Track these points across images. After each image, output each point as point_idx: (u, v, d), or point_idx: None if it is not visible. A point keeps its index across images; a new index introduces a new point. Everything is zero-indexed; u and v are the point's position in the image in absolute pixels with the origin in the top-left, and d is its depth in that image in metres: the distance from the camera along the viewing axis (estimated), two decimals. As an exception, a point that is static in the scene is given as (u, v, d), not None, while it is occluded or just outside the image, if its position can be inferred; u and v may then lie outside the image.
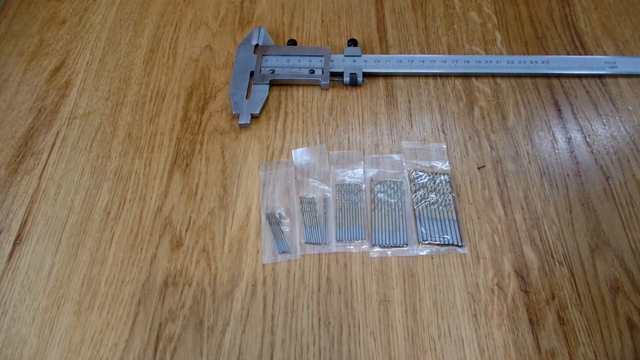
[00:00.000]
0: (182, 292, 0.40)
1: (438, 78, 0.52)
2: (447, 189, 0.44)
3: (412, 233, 0.42)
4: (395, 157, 0.46)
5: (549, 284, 0.40)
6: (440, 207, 0.43)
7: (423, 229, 0.42)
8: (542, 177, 0.45)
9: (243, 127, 0.49)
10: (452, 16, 0.57)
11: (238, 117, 0.49)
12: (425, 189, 0.44)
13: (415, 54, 0.53)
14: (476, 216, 0.43)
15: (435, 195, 0.44)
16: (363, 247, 0.42)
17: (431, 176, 0.45)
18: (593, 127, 0.48)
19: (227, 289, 0.40)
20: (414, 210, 0.43)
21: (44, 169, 0.47)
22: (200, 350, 0.38)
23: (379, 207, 0.43)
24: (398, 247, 0.41)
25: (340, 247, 0.42)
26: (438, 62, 0.52)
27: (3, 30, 0.58)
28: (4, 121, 0.51)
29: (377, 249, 0.42)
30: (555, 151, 0.46)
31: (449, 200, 0.43)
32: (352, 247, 0.42)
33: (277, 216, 0.43)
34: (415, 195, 0.44)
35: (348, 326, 0.38)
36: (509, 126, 0.48)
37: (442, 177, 0.45)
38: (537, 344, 0.37)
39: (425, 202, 0.43)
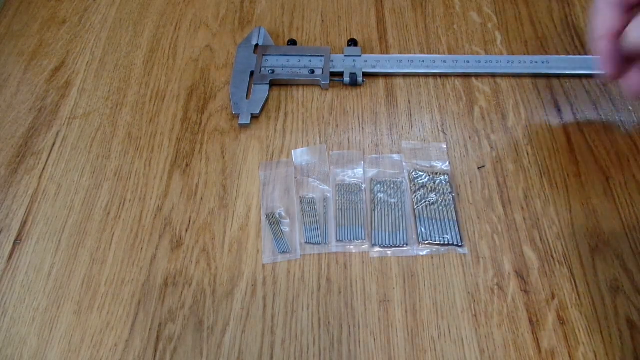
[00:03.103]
0: (182, 292, 0.40)
1: (438, 78, 0.52)
2: (447, 189, 0.44)
3: (412, 233, 0.42)
4: (395, 157, 0.46)
5: (549, 284, 0.40)
6: (440, 207, 0.43)
7: (423, 229, 0.42)
8: (542, 177, 0.45)
9: (243, 127, 0.49)
10: (452, 16, 0.57)
11: (238, 117, 0.49)
12: (425, 189, 0.44)
13: (415, 54, 0.53)
14: (476, 216, 0.43)
15: (435, 195, 0.44)
16: (363, 247, 0.42)
17: (431, 176, 0.45)
18: (593, 127, 0.48)
19: (227, 289, 0.40)
20: (414, 210, 0.43)
21: (44, 169, 0.47)
22: (200, 350, 0.38)
23: (379, 207, 0.43)
24: (398, 247, 0.41)
25: (340, 247, 0.42)
26: (438, 62, 0.52)
27: (3, 30, 0.58)
28: (4, 121, 0.51)
29: (377, 249, 0.42)
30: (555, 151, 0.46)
31: (449, 200, 0.43)
32: (352, 247, 0.42)
33: (277, 216, 0.43)
34: (415, 195, 0.44)
35: (348, 326, 0.38)
36: (509, 126, 0.48)
37: (442, 177, 0.45)
38: (537, 344, 0.37)
39: (425, 202, 0.43)
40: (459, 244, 0.41)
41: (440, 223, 0.42)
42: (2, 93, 0.53)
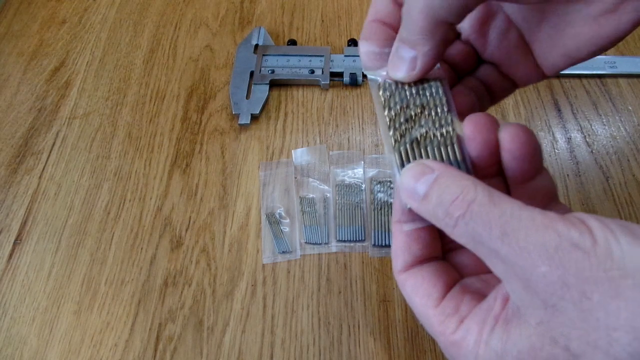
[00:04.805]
0: (182, 292, 0.40)
1: (438, 78, 0.52)
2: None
3: (412, 233, 0.42)
4: (395, 157, 0.46)
5: (549, 284, 0.39)
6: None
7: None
8: (542, 177, 0.45)
9: (243, 127, 0.49)
10: (452, 16, 0.57)
11: (238, 117, 0.49)
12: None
13: (415, 54, 0.53)
14: (476, 216, 0.43)
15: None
16: (363, 247, 0.42)
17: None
18: (593, 127, 0.48)
19: (227, 289, 0.40)
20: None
21: (44, 169, 0.47)
22: (200, 350, 0.38)
23: (379, 207, 0.43)
24: (398, 247, 0.41)
25: (340, 247, 0.42)
26: (438, 62, 0.51)
27: (3, 30, 0.58)
28: (4, 121, 0.51)
29: (377, 249, 0.42)
30: (555, 151, 0.46)
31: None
32: (352, 247, 0.42)
33: (277, 216, 0.43)
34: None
35: (348, 326, 0.38)
36: (509, 126, 0.48)
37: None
38: (537, 344, 0.37)
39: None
40: (459, 244, 0.41)
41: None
42: (2, 93, 0.53)
